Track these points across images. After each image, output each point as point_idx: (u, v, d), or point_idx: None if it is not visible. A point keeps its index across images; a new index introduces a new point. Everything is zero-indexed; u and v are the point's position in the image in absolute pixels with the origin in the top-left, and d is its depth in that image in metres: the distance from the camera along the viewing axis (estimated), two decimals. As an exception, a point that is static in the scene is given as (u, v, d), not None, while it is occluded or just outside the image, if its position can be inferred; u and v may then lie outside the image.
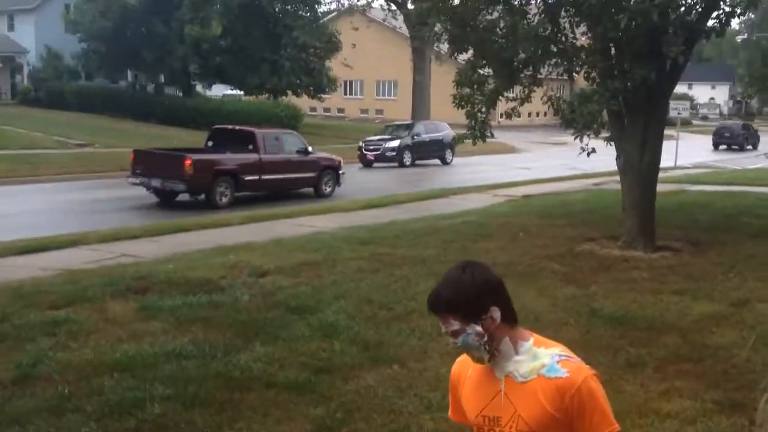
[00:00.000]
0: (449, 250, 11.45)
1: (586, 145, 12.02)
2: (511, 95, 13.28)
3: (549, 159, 33.76)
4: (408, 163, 30.24)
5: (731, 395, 5.78)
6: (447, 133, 30.84)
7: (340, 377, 6.22)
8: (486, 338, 2.57)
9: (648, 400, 5.76)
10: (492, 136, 13.98)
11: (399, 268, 10.13)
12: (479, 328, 2.57)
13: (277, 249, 11.59)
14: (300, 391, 5.90)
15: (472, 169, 29.22)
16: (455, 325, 2.57)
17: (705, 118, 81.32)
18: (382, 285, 9.19)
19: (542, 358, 2.59)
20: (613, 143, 12.17)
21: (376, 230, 13.48)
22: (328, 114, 59.02)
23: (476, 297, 2.58)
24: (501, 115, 13.14)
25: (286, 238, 12.63)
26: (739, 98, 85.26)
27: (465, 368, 2.78)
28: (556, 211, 16.06)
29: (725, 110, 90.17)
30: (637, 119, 11.50)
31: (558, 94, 15.20)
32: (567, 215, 15.24)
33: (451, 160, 31.69)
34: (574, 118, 12.72)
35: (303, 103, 44.85)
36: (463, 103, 13.13)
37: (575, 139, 12.35)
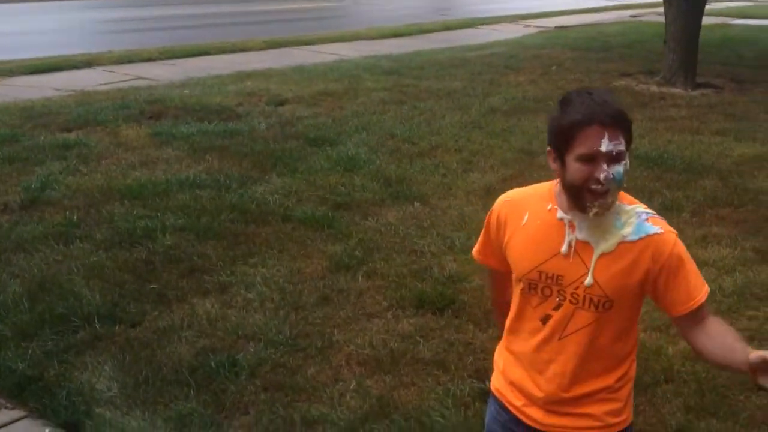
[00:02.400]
0: (477, 82, 10.90)
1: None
2: None
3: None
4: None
5: (773, 244, 5.45)
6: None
7: (359, 213, 5.93)
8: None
9: (686, 246, 5.41)
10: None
11: (424, 101, 9.65)
12: (627, 162, 2.16)
13: (297, 77, 11.08)
14: (317, 227, 5.63)
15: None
16: (623, 145, 2.11)
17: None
18: (406, 118, 8.75)
19: (626, 219, 2.20)
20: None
21: (400, 60, 12.87)
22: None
23: (631, 125, 2.17)
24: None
25: (307, 66, 12.09)
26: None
27: (518, 212, 2.35)
28: (592, 43, 15.24)
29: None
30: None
31: None
32: (603, 48, 14.45)
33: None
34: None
35: None
36: None
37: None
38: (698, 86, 10.82)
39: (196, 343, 4.11)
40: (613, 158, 2.07)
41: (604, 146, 2.06)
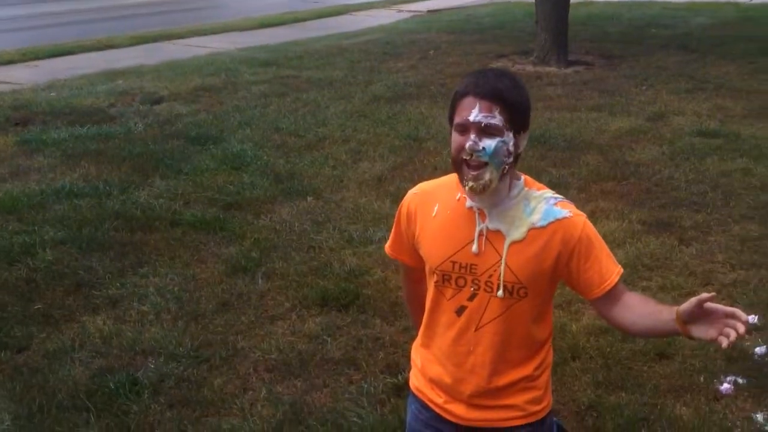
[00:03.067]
0: (357, 70, 10.84)
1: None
2: None
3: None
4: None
5: (657, 214, 5.65)
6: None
7: (251, 212, 5.75)
8: (510, 160, 2.13)
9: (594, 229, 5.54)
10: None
11: (306, 91, 9.51)
12: (512, 143, 2.11)
13: (171, 73, 10.69)
14: (209, 229, 5.42)
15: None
16: (498, 120, 2.08)
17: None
18: (290, 110, 8.59)
19: (535, 205, 2.19)
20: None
21: (277, 51, 12.64)
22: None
23: (527, 107, 2.14)
24: None
25: (180, 61, 11.69)
26: None
27: (428, 204, 2.31)
28: (465, 26, 15.45)
29: None
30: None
31: None
32: (477, 30, 14.67)
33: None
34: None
35: None
36: None
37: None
38: (571, 64, 11.13)
39: (91, 364, 3.87)
40: (483, 130, 2.06)
41: (473, 116, 2.06)
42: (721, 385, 3.58)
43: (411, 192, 2.37)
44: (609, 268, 2.21)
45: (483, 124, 2.06)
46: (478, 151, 2.06)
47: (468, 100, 2.08)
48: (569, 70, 10.83)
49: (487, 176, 2.09)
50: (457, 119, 2.10)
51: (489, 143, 2.06)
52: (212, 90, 9.59)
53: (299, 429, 3.40)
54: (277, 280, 4.74)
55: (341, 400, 3.59)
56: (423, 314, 2.36)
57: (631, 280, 4.65)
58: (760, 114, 8.22)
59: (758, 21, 15.48)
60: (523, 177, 2.26)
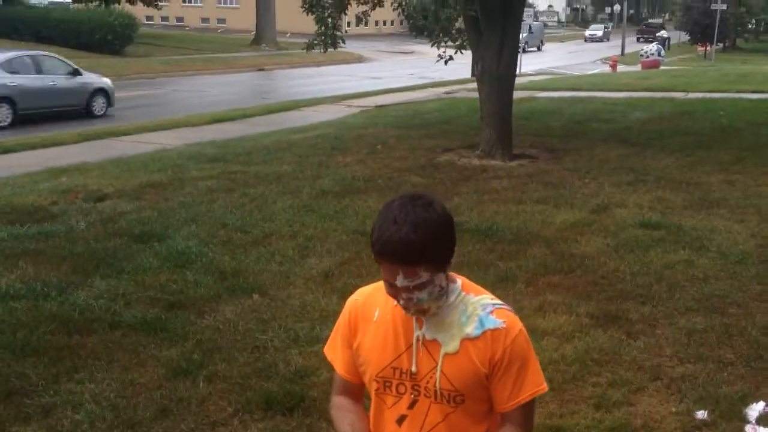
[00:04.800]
0: (305, 165, 10.89)
1: (443, 52, 11.65)
2: (361, -1, 12.67)
3: (398, 68, 33.44)
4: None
5: (604, 307, 5.66)
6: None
7: (194, 312, 5.60)
8: (445, 287, 2.10)
9: (524, 317, 5.47)
10: (343, 42, 13.40)
11: (253, 186, 9.49)
12: (444, 277, 2.08)
13: (116, 169, 10.60)
14: (150, 331, 5.24)
15: (322, 79, 28.41)
16: (424, 278, 2.03)
17: (545, 25, 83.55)
18: (237, 206, 8.53)
19: (471, 311, 2.16)
20: (467, 50, 11.87)
21: (225, 146, 12.68)
22: (166, 23, 55.82)
23: (449, 239, 2.07)
24: (348, 24, 12.58)
25: (126, 157, 11.62)
26: (576, 5, 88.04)
27: (369, 310, 2.27)
28: (412, 121, 15.76)
29: (563, 17, 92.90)
30: (494, 25, 11.18)
31: (409, -1, 14.62)
32: (423, 125, 14.96)
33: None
34: (426, 25, 12.31)
35: (138, 11, 41.85)
36: (312, 8, 12.39)
37: (432, 46, 11.96)
38: (515, 157, 11.37)
39: (17, 480, 3.64)
40: (412, 289, 2.04)
41: (399, 282, 2.04)
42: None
43: (350, 300, 2.35)
44: (522, 389, 2.18)
45: (411, 287, 2.04)
46: (413, 304, 2.07)
47: (387, 266, 2.04)
48: (514, 164, 11.05)
49: (425, 306, 2.11)
50: (384, 275, 2.06)
51: (421, 295, 2.05)
52: (158, 186, 9.51)
53: None
54: (219, 383, 4.57)
55: None
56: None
57: (581, 376, 4.61)
58: (699, 206, 8.43)
59: (693, 115, 16.13)
60: (459, 280, 2.23)
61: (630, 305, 5.67)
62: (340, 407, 2.37)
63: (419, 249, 1.99)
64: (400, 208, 2.03)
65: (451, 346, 2.15)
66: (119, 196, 8.98)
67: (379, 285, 2.29)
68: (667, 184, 9.50)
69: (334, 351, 2.38)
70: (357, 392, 2.38)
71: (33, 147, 12.70)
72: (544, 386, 2.19)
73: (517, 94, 17.78)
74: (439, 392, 2.15)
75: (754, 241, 6.97)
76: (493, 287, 5.92)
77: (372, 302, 2.30)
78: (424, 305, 2.09)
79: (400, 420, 2.23)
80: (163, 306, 5.67)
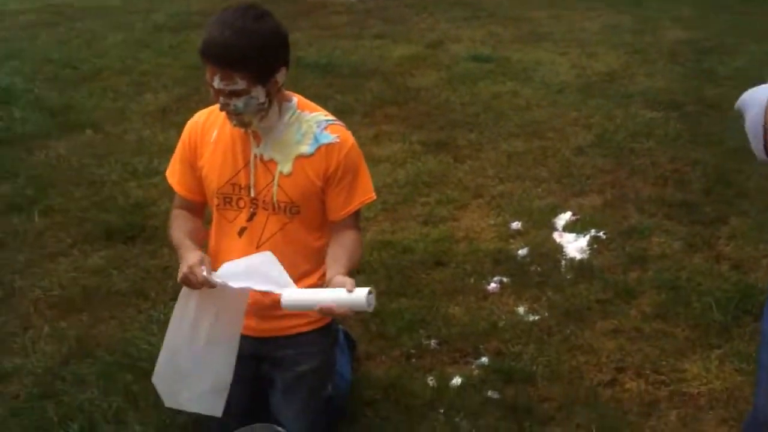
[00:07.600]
0: (136, -2, 10.34)
1: None
2: None
3: None
4: None
5: (435, 135, 5.94)
6: None
7: (23, 149, 5.43)
8: (267, 103, 2.19)
9: (360, 146, 5.67)
10: None
11: (80, 20, 8.97)
12: (264, 91, 2.17)
13: None
14: (-23, 168, 5.08)
15: None
16: (240, 85, 2.13)
17: None
18: (63, 41, 8.08)
19: (306, 129, 2.31)
20: None
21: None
22: None
23: (274, 54, 2.16)
24: None
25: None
26: None
27: (207, 131, 2.38)
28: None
29: None
30: None
31: None
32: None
33: None
34: None
35: None
36: None
37: None
38: (355, -8, 11.24)
39: None
40: (228, 95, 2.15)
41: (216, 83, 2.15)
42: (489, 285, 3.92)
43: (189, 122, 2.44)
44: (353, 198, 2.38)
45: (227, 91, 2.13)
46: (230, 110, 2.17)
47: (209, 65, 2.13)
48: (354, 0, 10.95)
49: (245, 119, 2.23)
50: (206, 76, 2.16)
51: (238, 103, 2.15)
52: (-27, 21, 8.82)
53: (87, 361, 3.35)
54: (56, 217, 4.56)
55: (130, 330, 3.57)
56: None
57: (411, 196, 4.92)
58: (527, 39, 8.77)
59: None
60: (295, 99, 2.36)
61: (458, 133, 6.00)
62: (179, 217, 2.49)
63: (237, 55, 2.09)
64: (233, 13, 2.14)
65: (287, 166, 2.29)
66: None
67: (217, 107, 2.37)
68: (499, 20, 9.76)
69: (173, 174, 2.48)
70: (196, 210, 2.50)
71: None
72: (373, 195, 2.40)
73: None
74: (276, 204, 2.30)
75: (574, 71, 7.41)
76: (330, 118, 6.09)
77: (211, 123, 2.39)
78: (245, 118, 2.21)
79: (241, 232, 2.38)
80: (-10, 143, 5.47)
